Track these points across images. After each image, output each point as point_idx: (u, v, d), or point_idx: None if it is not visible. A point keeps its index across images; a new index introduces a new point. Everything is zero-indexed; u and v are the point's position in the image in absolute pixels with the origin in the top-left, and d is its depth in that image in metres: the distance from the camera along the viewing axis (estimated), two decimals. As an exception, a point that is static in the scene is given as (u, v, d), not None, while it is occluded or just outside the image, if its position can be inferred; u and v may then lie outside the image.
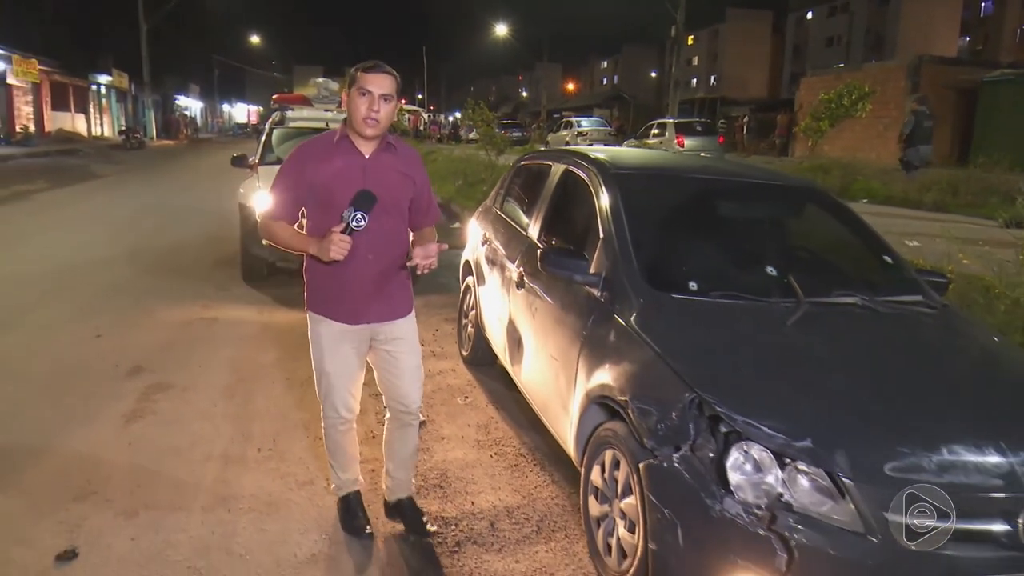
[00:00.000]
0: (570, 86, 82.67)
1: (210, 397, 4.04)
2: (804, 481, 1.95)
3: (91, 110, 36.18)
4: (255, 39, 65.54)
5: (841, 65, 38.34)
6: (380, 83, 2.36)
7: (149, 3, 34.77)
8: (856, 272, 3.16)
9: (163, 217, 11.06)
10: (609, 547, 2.48)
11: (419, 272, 2.46)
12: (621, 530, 2.40)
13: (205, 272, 7.22)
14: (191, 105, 57.88)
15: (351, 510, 2.81)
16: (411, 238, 2.65)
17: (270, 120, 8.02)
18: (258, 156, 7.18)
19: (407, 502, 2.83)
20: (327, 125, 7.74)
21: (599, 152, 3.70)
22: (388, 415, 2.76)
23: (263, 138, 7.57)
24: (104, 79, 36.99)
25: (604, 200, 3.11)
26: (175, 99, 51.88)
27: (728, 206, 3.35)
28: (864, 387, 2.21)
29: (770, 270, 2.86)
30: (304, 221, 2.54)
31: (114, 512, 2.84)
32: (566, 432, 2.89)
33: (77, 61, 31.72)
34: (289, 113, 7.94)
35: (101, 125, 37.55)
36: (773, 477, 1.97)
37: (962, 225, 6.64)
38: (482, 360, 4.53)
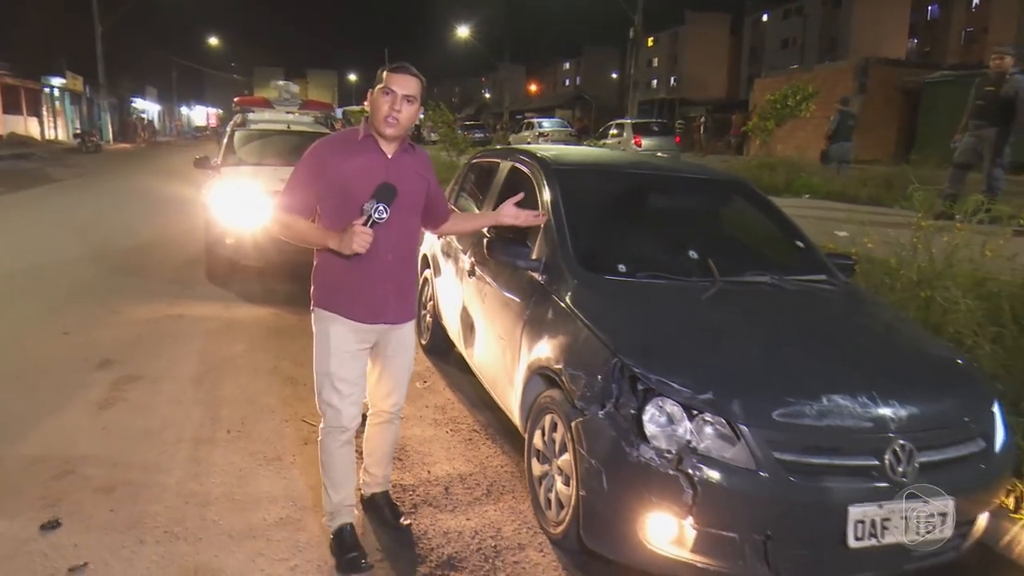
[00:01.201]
0: (533, 87, 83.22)
1: (179, 386, 4.24)
2: (709, 429, 2.27)
3: (44, 113, 35.51)
4: (214, 41, 64.68)
5: (796, 66, 39.46)
6: (404, 84, 2.37)
7: (104, 4, 34.25)
8: (770, 255, 3.52)
9: (124, 219, 11.09)
10: (549, 501, 2.78)
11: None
12: (558, 484, 2.70)
13: (170, 272, 7.36)
14: (148, 108, 57.00)
15: (346, 546, 2.58)
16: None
17: (232, 122, 8.19)
18: (221, 158, 7.34)
19: (382, 497, 2.89)
20: (288, 127, 7.97)
21: (542, 150, 4.01)
22: (370, 413, 2.79)
23: (225, 140, 7.73)
24: (58, 81, 36.32)
25: (545, 193, 3.42)
26: (132, 102, 51.08)
27: (658, 198, 3.68)
28: (762, 349, 2.55)
29: (692, 254, 3.19)
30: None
31: (92, 488, 3.05)
32: (513, 404, 3.18)
33: (29, 63, 31.14)
34: (251, 115, 8.11)
35: (55, 128, 36.86)
36: (683, 427, 2.28)
37: (891, 216, 7.11)
38: (440, 348, 4.80)
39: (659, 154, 17.67)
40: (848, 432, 2.26)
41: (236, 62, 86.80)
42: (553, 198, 3.36)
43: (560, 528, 2.65)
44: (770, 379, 2.38)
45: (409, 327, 2.69)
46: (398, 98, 2.37)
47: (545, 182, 3.48)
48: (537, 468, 2.90)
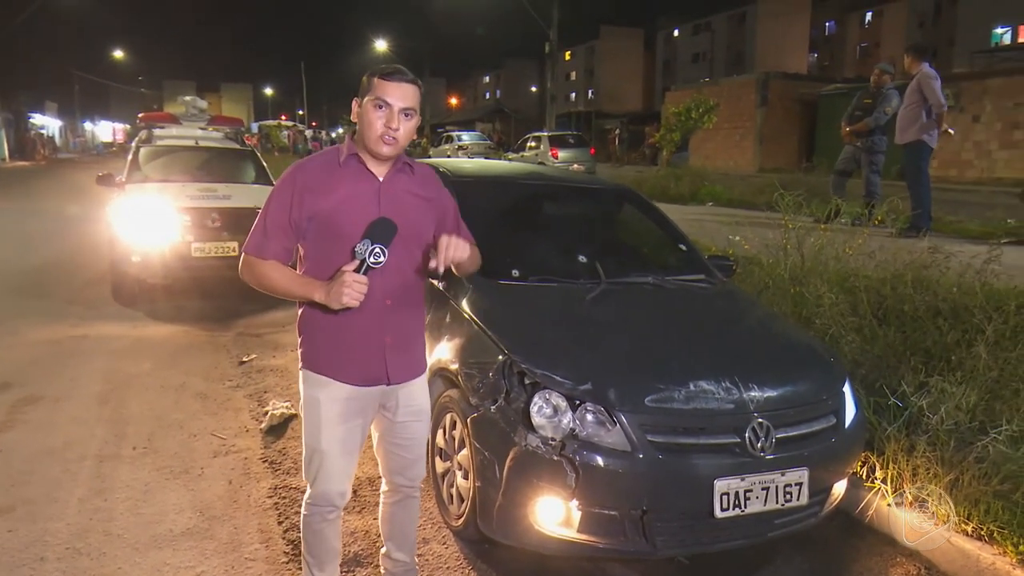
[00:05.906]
0: (454, 100, 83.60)
1: (83, 405, 4.18)
2: (589, 417, 2.47)
3: (-68, 130, 33.36)
4: (119, 53, 62.12)
5: (707, 79, 41.16)
6: (402, 95, 1.99)
7: (-3, 14, 32.53)
8: (654, 258, 3.80)
9: (23, 240, 10.60)
10: (451, 496, 2.93)
11: (441, 261, 2.03)
12: (458, 479, 2.85)
13: (72, 293, 7.14)
14: (48, 123, 54.19)
15: None
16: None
17: (137, 139, 8.02)
18: (125, 174, 7.19)
19: None
20: (196, 143, 7.88)
21: (442, 163, 4.17)
22: (385, 488, 2.41)
23: (130, 156, 7.58)
24: (-54, 96, 34.20)
25: (444, 204, 3.58)
26: (29, 117, 48.47)
27: (551, 206, 3.91)
28: (637, 342, 2.79)
29: (581, 258, 3.41)
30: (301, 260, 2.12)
31: (-11, 510, 3.01)
32: (418, 406, 3.31)
33: (-86, 77, 29.25)
34: (157, 131, 7.97)
35: (-56, 146, 34.66)
36: (567, 417, 2.47)
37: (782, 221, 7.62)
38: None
39: (575, 166, 18.19)
40: (712, 413, 2.50)
41: (144, 75, 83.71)
42: (452, 209, 3.52)
43: (460, 520, 2.80)
44: (643, 369, 2.61)
45: (418, 385, 2.26)
46: (395, 113, 1.98)
47: (444, 194, 3.64)
48: (440, 465, 3.04)
